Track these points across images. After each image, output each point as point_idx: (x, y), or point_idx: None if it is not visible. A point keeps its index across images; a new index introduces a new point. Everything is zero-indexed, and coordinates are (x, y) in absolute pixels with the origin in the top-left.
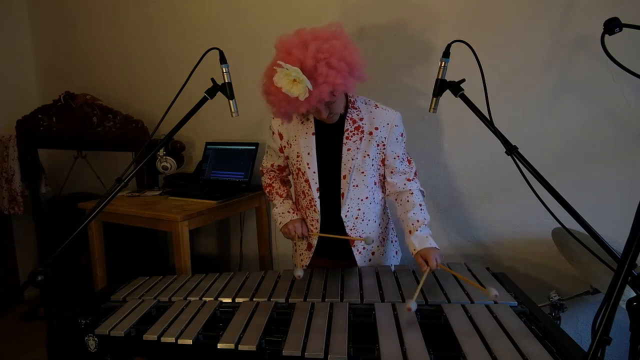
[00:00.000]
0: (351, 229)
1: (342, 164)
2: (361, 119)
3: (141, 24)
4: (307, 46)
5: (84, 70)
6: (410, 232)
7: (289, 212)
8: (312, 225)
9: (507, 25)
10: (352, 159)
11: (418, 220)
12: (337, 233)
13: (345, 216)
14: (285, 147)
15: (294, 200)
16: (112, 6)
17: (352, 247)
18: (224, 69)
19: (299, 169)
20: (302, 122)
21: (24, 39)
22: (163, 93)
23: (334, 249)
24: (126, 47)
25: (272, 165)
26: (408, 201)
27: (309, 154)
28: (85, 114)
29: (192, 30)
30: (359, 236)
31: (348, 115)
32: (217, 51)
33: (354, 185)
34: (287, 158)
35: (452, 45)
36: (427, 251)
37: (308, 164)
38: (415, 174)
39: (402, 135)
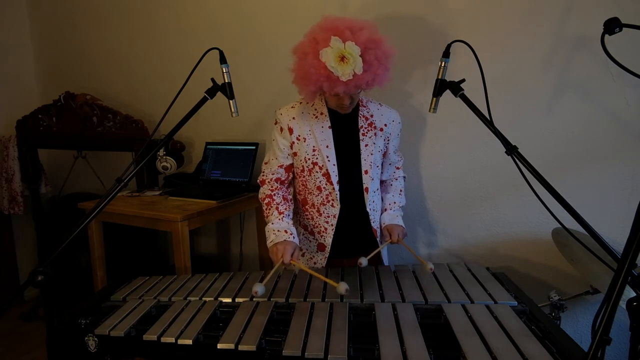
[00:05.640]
0: (373, 221)
1: (363, 160)
2: (372, 116)
3: (141, 24)
4: (356, 33)
5: (84, 70)
6: (385, 209)
7: (285, 231)
8: (327, 222)
9: (507, 25)
10: (371, 154)
11: (395, 202)
12: (360, 226)
13: (369, 210)
14: (294, 142)
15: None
16: (112, 6)
17: (377, 239)
18: (224, 69)
19: (315, 163)
20: (316, 116)
21: (24, 39)
22: (163, 93)
23: (354, 248)
24: (126, 47)
25: (279, 167)
26: (391, 185)
27: (327, 146)
28: (85, 114)
29: (192, 30)
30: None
31: (360, 112)
32: (217, 51)
33: (371, 179)
34: (295, 155)
35: (452, 45)
36: (393, 227)
37: (327, 157)
38: (402, 163)
39: (400, 131)
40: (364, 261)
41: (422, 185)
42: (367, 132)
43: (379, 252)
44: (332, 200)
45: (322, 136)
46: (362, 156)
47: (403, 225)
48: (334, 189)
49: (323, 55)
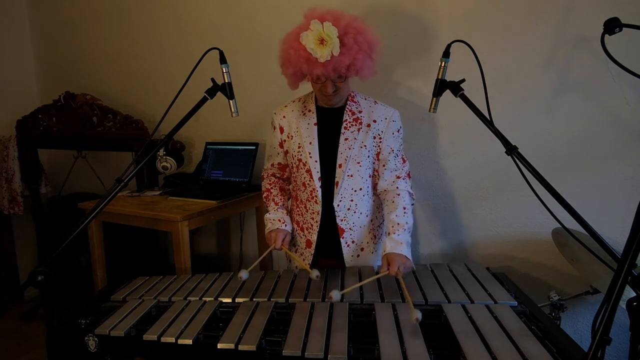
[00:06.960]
0: (342, 220)
1: (339, 153)
2: (360, 112)
3: (141, 24)
4: (338, 19)
5: (84, 70)
6: (388, 233)
7: (279, 220)
8: (312, 218)
9: (507, 25)
10: (349, 149)
11: (398, 224)
12: (330, 223)
13: (338, 206)
14: (285, 140)
15: (289, 209)
16: (112, 6)
17: (341, 239)
18: (224, 69)
19: (300, 160)
20: (304, 114)
21: (24, 39)
22: (163, 93)
23: (327, 248)
24: (126, 47)
25: (272, 165)
26: (393, 202)
27: (310, 143)
28: (85, 114)
29: (193, 30)
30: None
31: (347, 107)
32: (217, 51)
33: (348, 175)
34: (286, 153)
35: (452, 45)
36: (393, 256)
37: (310, 153)
38: (407, 174)
39: (398, 131)
40: (335, 295)
41: (422, 186)
42: (349, 127)
43: (370, 255)
44: (315, 197)
45: (306, 133)
46: (338, 150)
47: (408, 256)
48: (315, 185)
49: (303, 38)
